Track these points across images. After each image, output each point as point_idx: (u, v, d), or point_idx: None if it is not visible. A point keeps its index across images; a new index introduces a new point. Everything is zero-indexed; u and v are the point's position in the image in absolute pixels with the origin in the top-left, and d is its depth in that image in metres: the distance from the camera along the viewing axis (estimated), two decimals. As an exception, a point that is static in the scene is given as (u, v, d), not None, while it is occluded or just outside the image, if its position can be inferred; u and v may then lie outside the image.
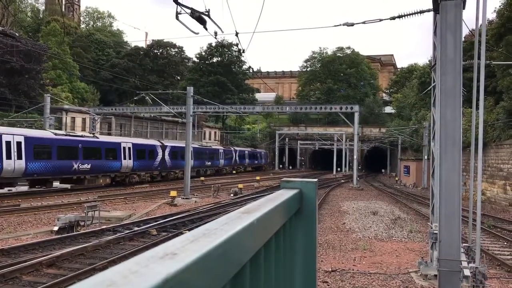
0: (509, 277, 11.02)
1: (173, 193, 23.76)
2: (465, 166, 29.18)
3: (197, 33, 14.76)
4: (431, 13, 9.05)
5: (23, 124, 42.95)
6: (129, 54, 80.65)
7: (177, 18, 13.51)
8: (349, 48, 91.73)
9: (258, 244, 1.12)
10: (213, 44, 78.76)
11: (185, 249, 0.68)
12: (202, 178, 39.78)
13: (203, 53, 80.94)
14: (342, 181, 48.67)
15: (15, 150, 23.62)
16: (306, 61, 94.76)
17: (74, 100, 55.10)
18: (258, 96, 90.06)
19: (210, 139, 71.94)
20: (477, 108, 7.94)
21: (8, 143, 23.21)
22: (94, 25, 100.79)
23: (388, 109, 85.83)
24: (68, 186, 29.50)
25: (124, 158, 33.02)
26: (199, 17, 13.42)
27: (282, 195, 1.51)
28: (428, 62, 54.00)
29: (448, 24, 7.35)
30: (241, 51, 19.38)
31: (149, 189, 31.64)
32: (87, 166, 29.08)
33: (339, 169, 69.23)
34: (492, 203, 28.63)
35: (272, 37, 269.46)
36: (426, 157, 40.03)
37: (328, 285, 9.66)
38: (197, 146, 47.43)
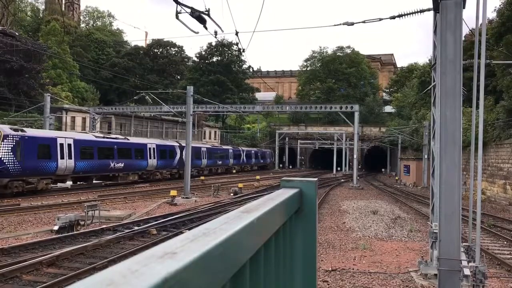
0: (509, 276, 11.02)
1: (173, 192, 23.76)
2: (465, 165, 29.20)
3: (197, 33, 14.77)
4: (431, 12, 9.04)
5: (23, 123, 42.97)
6: (129, 53, 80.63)
7: (177, 17, 13.51)
8: (349, 47, 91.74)
9: (258, 243, 1.12)
10: (213, 44, 78.77)
11: (185, 249, 0.68)
12: (202, 178, 39.83)
13: (203, 53, 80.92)
14: (342, 180, 48.67)
15: (67, 151, 27.19)
16: (306, 60, 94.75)
17: (74, 99, 55.11)
18: (258, 95, 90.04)
19: (210, 138, 71.94)
20: (477, 107, 7.94)
21: (61, 145, 26.81)
22: (94, 25, 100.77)
23: (388, 109, 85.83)
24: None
25: (150, 158, 36.77)
26: (199, 16, 13.42)
27: (282, 195, 1.51)
28: (428, 62, 54.00)
29: (448, 24, 7.35)
30: (241, 50, 19.40)
31: (149, 188, 31.67)
32: (121, 164, 32.73)
33: (339, 168, 69.22)
34: (492, 202, 28.64)
35: (272, 36, 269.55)
36: (426, 156, 40.04)
37: (328, 285, 9.67)
38: (210, 146, 51.13)
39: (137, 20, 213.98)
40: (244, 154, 61.29)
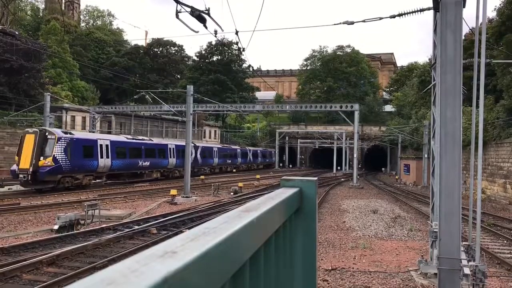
0: (509, 276, 11.03)
1: (173, 191, 23.76)
2: (465, 164, 29.21)
3: (197, 32, 14.76)
4: (431, 11, 9.04)
5: (23, 123, 42.98)
6: (129, 52, 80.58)
7: (177, 16, 13.51)
8: (349, 46, 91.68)
9: (258, 242, 1.12)
10: (213, 43, 78.72)
11: (185, 248, 0.69)
12: (202, 177, 39.87)
13: (203, 52, 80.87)
14: (342, 179, 48.67)
15: (105, 151, 30.79)
16: (306, 59, 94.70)
17: (74, 98, 55.10)
18: (258, 94, 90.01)
19: (210, 137, 71.94)
20: (477, 106, 7.94)
21: (101, 146, 30.45)
22: (94, 24, 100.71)
23: (388, 108, 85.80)
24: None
25: (170, 157, 40.39)
26: (199, 15, 13.41)
27: (282, 194, 1.51)
28: (428, 61, 53.97)
29: (448, 23, 7.34)
30: (241, 49, 19.34)
31: (149, 187, 31.71)
32: (147, 163, 36.42)
33: (339, 167, 69.22)
34: (492, 201, 28.64)
35: (272, 35, 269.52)
36: (426, 155, 40.03)
37: (328, 284, 9.67)
38: (220, 146, 55.49)
39: (137, 19, 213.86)
40: (251, 153, 64.68)
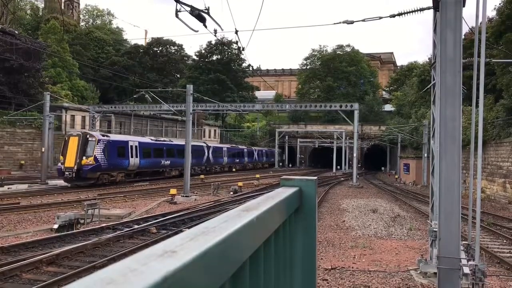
0: (509, 275, 11.03)
1: (172, 191, 23.74)
2: (465, 164, 29.22)
3: (197, 31, 14.75)
4: (431, 10, 9.04)
5: (23, 122, 42.94)
6: (128, 52, 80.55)
7: (176, 15, 13.50)
8: (349, 46, 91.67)
9: (258, 242, 1.12)
10: (213, 42, 78.69)
11: (185, 247, 0.68)
12: (202, 176, 39.89)
13: (203, 51, 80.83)
14: (342, 179, 48.66)
15: (134, 151, 34.20)
16: (306, 59, 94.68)
17: (73, 98, 55.07)
18: (257, 94, 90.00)
19: (209, 137, 71.93)
20: (477, 106, 7.94)
21: (131, 147, 33.88)
22: (94, 23, 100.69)
23: (388, 107, 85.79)
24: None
25: None
26: (199, 14, 13.41)
27: (282, 193, 1.51)
28: (428, 60, 53.97)
29: (448, 22, 7.34)
30: (241, 49, 19.31)
31: (149, 187, 31.72)
32: (168, 162, 39.62)
33: (338, 167, 69.20)
34: (491, 201, 28.65)
35: (272, 35, 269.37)
36: (425, 155, 40.03)
37: (327, 283, 9.67)
38: (229, 146, 58.95)
39: (137, 19, 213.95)
40: (256, 153, 67.98)
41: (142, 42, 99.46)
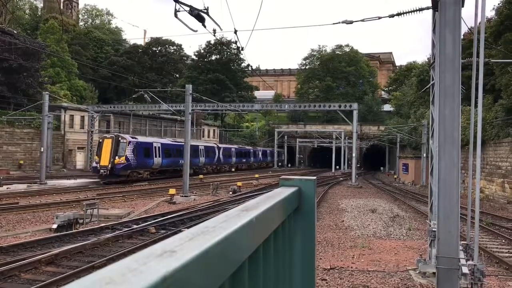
0: (507, 275, 11.04)
1: (172, 191, 23.73)
2: (464, 164, 29.22)
3: (196, 31, 14.74)
4: (430, 10, 9.04)
5: (22, 122, 42.89)
6: (127, 52, 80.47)
7: (176, 15, 13.49)
8: (348, 46, 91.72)
9: (257, 242, 1.12)
10: (212, 42, 78.64)
11: (184, 247, 0.68)
12: (201, 176, 39.94)
13: (202, 51, 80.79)
14: (341, 179, 48.67)
15: (157, 152, 37.61)
16: (305, 59, 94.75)
17: (72, 98, 55.03)
18: (257, 94, 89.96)
19: (208, 137, 71.93)
20: (476, 106, 7.95)
21: (155, 148, 37.35)
22: (93, 23, 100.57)
23: (387, 107, 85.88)
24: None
25: (201, 156, 47.30)
26: (198, 14, 13.40)
27: (281, 193, 1.51)
28: (427, 60, 53.99)
29: (447, 22, 7.34)
30: (240, 48, 19.27)
31: (148, 187, 31.71)
32: None
33: (337, 167, 69.25)
34: (490, 200, 28.68)
35: (271, 34, 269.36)
36: (424, 155, 40.04)
37: (326, 283, 9.68)
38: (237, 147, 62.55)
39: (136, 18, 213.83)
40: (260, 153, 71.19)
41: (141, 42, 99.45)
